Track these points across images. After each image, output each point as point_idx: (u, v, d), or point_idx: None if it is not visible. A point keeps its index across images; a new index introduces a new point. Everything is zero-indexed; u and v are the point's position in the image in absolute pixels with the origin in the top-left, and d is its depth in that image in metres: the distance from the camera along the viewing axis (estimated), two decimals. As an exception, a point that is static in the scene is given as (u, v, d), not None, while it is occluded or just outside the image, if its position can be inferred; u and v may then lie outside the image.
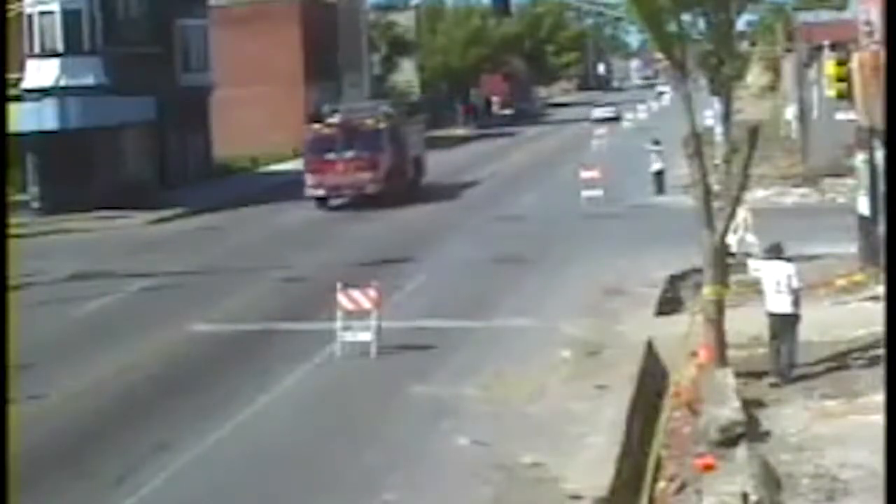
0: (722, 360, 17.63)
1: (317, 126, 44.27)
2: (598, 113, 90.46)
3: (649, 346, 19.55)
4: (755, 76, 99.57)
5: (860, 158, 24.20)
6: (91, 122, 44.72)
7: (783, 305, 17.57)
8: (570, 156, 57.67)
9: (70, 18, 45.33)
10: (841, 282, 23.20)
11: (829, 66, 29.69)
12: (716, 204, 18.45)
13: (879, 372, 15.54)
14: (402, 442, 16.08)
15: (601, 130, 68.51)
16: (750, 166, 19.02)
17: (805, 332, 17.90)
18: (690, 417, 16.15)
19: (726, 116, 25.16)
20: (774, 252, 18.13)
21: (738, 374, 17.19)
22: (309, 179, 43.04)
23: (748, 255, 24.56)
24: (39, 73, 44.97)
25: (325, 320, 21.41)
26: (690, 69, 19.08)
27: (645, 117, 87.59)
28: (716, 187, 19.58)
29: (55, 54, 45.25)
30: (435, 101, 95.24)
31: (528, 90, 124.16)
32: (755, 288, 19.71)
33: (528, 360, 19.59)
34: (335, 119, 44.51)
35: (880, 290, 20.01)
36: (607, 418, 16.12)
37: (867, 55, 23.28)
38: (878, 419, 13.04)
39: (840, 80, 27.06)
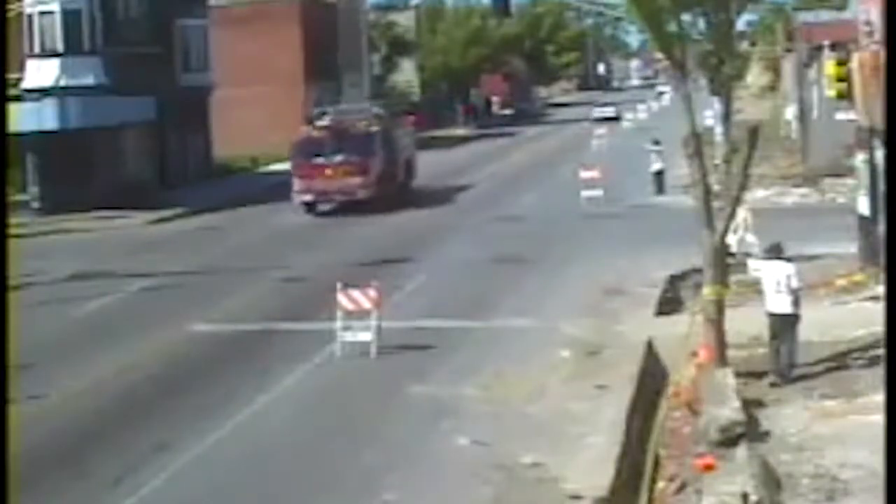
0: (722, 360, 17.63)
1: (305, 128, 42.94)
2: (598, 113, 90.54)
3: (649, 346, 19.55)
4: (755, 76, 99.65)
5: (860, 158, 24.20)
6: (91, 122, 44.71)
7: (783, 305, 17.57)
8: (570, 156, 57.67)
9: (70, 18, 45.33)
10: (841, 282, 23.20)
11: (829, 66, 29.68)
12: (716, 204, 18.45)
13: (879, 372, 15.54)
14: (401, 442, 16.08)
15: (601, 130, 68.50)
16: (750, 166, 19.02)
17: (805, 332, 17.90)
18: (690, 417, 16.16)
19: (726, 116, 25.13)
20: (774, 252, 18.14)
21: (738, 374, 17.19)
22: (297, 184, 41.44)
23: (748, 255, 24.55)
24: (39, 73, 44.97)
25: (325, 320, 21.40)
26: (690, 69, 19.08)
27: (645, 117, 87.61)
28: (716, 187, 19.58)
29: (55, 54, 45.25)
30: (435, 101, 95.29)
31: (528, 90, 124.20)
32: (755, 288, 19.71)
33: (527, 360, 19.58)
34: (324, 122, 43.01)
35: (880, 290, 20.02)
36: (607, 418, 16.11)
37: (867, 55, 23.28)
38: (878, 419, 13.04)
39: (840, 80, 27.05)
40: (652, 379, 18.45)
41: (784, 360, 17.64)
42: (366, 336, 20.29)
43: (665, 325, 21.05)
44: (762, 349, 18.30)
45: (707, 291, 18.02)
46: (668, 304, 23.48)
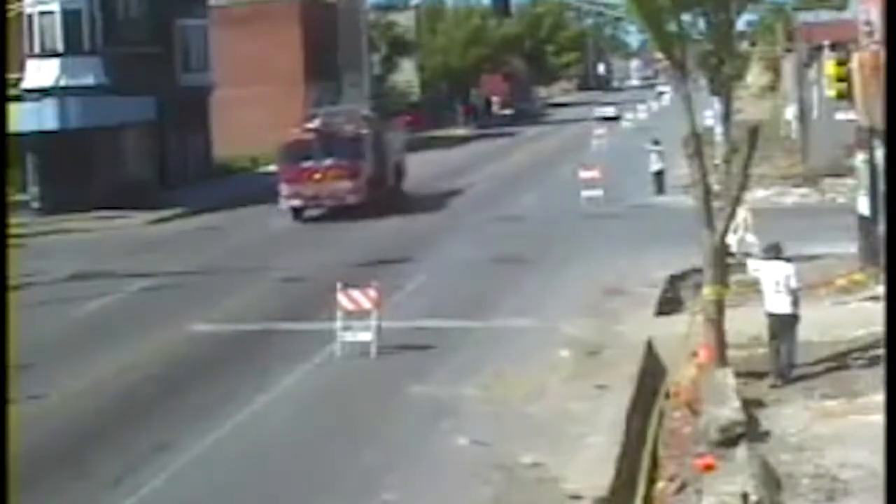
0: (722, 360, 17.62)
1: (294, 131, 41.73)
2: (598, 113, 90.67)
3: (649, 346, 19.55)
4: (755, 76, 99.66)
5: (860, 158, 24.19)
6: (91, 122, 44.74)
7: (782, 306, 17.56)
8: (569, 156, 57.67)
9: (70, 18, 45.35)
10: (841, 282, 23.19)
11: (829, 66, 29.70)
12: (716, 204, 18.45)
13: (879, 372, 15.54)
14: (401, 442, 16.08)
15: (601, 130, 68.52)
16: (750, 166, 19.02)
17: (805, 332, 17.89)
18: (690, 417, 16.16)
19: (726, 116, 25.12)
20: (773, 252, 18.13)
21: (738, 374, 17.18)
22: (284, 189, 39.94)
23: (748, 255, 24.54)
24: (39, 73, 45.00)
25: (324, 320, 21.40)
26: (690, 69, 19.07)
27: (645, 117, 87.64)
28: (716, 187, 19.57)
29: (55, 54, 45.28)
30: (435, 101, 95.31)
31: (528, 90, 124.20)
32: (755, 288, 19.68)
33: (527, 360, 19.57)
34: (313, 124, 41.83)
35: (880, 290, 20.01)
36: (607, 418, 16.11)
37: (867, 55, 23.27)
38: (878, 419, 13.03)
39: (840, 80, 27.06)
40: (652, 379, 18.44)
41: (784, 360, 17.63)
42: (366, 336, 20.29)
43: (665, 325, 21.04)
44: (762, 349, 18.29)
45: (707, 291, 18.01)
46: (668, 304, 23.48)
